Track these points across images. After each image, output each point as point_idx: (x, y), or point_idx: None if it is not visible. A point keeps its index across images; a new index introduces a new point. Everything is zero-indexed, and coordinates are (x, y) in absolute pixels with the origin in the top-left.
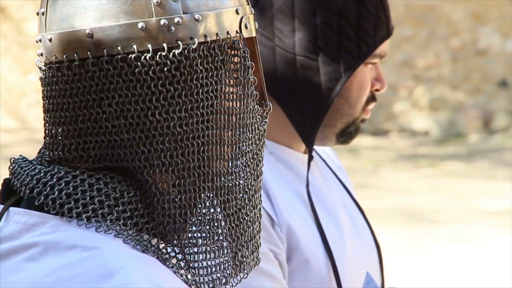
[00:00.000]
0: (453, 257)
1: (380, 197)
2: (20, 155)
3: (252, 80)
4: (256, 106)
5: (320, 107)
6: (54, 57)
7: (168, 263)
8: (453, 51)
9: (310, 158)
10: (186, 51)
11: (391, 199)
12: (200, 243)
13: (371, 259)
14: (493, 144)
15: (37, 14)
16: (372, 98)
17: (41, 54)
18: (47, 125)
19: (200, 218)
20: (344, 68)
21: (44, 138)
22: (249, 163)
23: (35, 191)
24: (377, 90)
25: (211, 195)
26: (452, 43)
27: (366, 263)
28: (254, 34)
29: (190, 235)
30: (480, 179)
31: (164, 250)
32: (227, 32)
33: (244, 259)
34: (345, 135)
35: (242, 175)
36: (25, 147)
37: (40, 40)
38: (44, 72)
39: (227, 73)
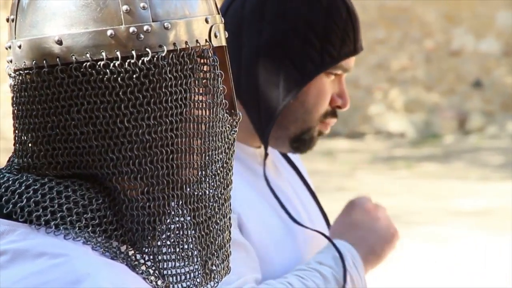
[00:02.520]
0: (428, 257)
1: None
2: None
3: (221, 88)
4: (225, 115)
5: (275, 106)
6: (23, 63)
7: (137, 269)
8: (427, 52)
9: (266, 155)
10: (155, 58)
11: None
12: (169, 250)
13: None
14: (468, 144)
15: (7, 20)
16: (332, 113)
17: (11, 61)
18: (16, 131)
19: (169, 225)
20: (304, 73)
21: (14, 145)
22: (218, 171)
23: (3, 199)
24: (338, 107)
25: (181, 203)
26: (426, 45)
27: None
28: (223, 43)
29: (159, 242)
30: (455, 180)
31: (133, 257)
32: (197, 41)
33: (214, 268)
34: (299, 142)
35: (212, 183)
36: (1, 157)
37: (10, 47)
38: (14, 79)
39: (197, 82)
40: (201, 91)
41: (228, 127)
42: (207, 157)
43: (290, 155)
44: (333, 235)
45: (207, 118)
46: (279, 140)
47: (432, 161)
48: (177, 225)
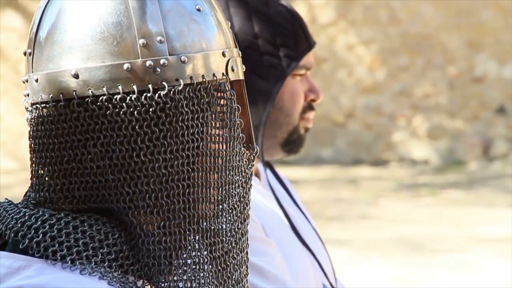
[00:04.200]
0: (454, 286)
1: (380, 228)
2: (6, 199)
3: (238, 122)
4: (242, 148)
5: (259, 120)
6: (40, 97)
7: None
8: (450, 79)
9: (270, 168)
10: (171, 92)
11: (391, 229)
12: (186, 285)
13: (325, 273)
14: (493, 171)
15: (24, 54)
16: (309, 107)
17: (28, 95)
18: (33, 165)
19: (186, 260)
20: (273, 82)
21: (31, 179)
22: (235, 205)
23: (19, 234)
24: (313, 100)
25: (197, 237)
26: (449, 71)
27: (320, 276)
28: (241, 77)
29: (176, 277)
30: (480, 207)
31: None
32: (213, 74)
33: None
34: (290, 144)
35: (229, 218)
36: (24, 188)
37: (27, 81)
38: (31, 113)
39: (213, 115)
40: (217, 125)
41: (245, 161)
42: (224, 191)
43: (284, 180)
44: None
45: (224, 152)
46: (271, 149)
47: (456, 188)
48: (194, 260)
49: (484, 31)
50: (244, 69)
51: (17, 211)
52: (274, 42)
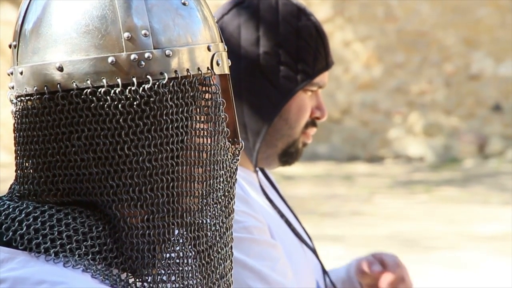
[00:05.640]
0: (448, 283)
1: (375, 224)
2: None
3: (223, 117)
4: (227, 143)
5: (261, 126)
6: (25, 90)
7: None
8: (446, 76)
9: (261, 170)
10: (156, 86)
11: (386, 226)
12: (169, 279)
13: (316, 272)
14: (488, 168)
15: (9, 47)
16: (312, 123)
17: (13, 87)
18: (18, 158)
19: (169, 254)
20: (284, 92)
21: (16, 171)
22: (220, 200)
23: (3, 226)
24: (317, 118)
25: (181, 231)
26: (445, 69)
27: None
28: (226, 72)
29: (159, 270)
30: (475, 204)
31: (133, 285)
32: (198, 68)
33: None
34: (287, 156)
35: (213, 212)
36: None
37: (12, 73)
38: (15, 105)
39: (198, 109)
40: (202, 119)
41: (230, 155)
42: (208, 186)
43: (272, 179)
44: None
45: (209, 146)
46: (270, 158)
47: (451, 185)
48: (178, 254)
49: (480, 28)
50: (259, 76)
51: (1, 203)
52: (294, 55)
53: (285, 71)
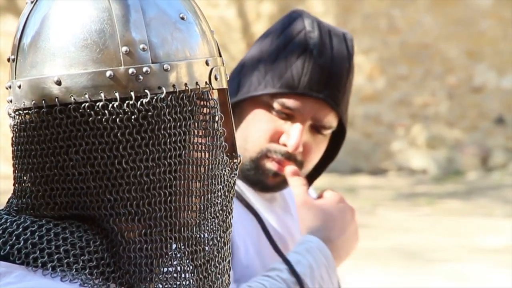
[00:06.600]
0: None
1: (378, 237)
2: None
3: (221, 131)
4: (225, 157)
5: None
6: (23, 103)
7: None
8: (449, 89)
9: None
10: (154, 100)
11: (389, 238)
12: None
13: None
14: (491, 181)
15: (8, 60)
16: (284, 154)
17: (11, 101)
18: (16, 172)
19: (167, 268)
20: (243, 92)
21: (14, 185)
22: (217, 214)
23: (0, 240)
24: (284, 145)
25: (179, 245)
26: (448, 81)
27: None
28: (224, 86)
29: (157, 285)
30: (478, 217)
31: None
32: (196, 83)
33: None
34: (249, 178)
35: (211, 226)
36: None
37: (10, 87)
38: (13, 119)
39: (196, 124)
40: (200, 134)
41: (228, 169)
42: (206, 200)
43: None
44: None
45: (206, 161)
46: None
47: (454, 198)
48: (175, 268)
49: (483, 41)
50: (228, 78)
51: None
52: (269, 64)
53: (254, 75)
